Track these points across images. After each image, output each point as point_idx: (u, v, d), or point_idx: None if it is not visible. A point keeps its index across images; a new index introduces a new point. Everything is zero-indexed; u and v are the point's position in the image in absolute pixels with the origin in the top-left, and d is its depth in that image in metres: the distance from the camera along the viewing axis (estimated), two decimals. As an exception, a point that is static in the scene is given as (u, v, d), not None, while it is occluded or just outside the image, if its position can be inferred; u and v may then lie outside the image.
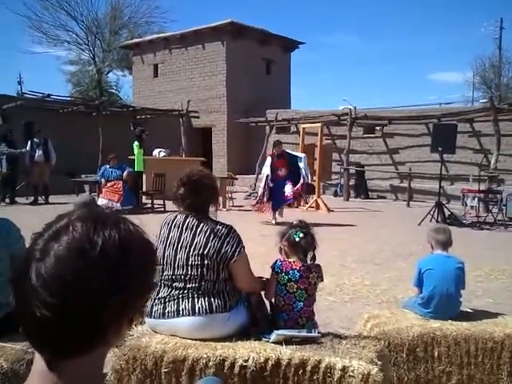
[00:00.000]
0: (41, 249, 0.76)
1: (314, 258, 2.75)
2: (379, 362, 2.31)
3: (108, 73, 36.54)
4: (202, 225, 2.60)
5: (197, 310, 2.52)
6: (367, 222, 10.62)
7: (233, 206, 12.87)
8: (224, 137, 21.05)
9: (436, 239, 3.30)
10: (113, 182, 11.24)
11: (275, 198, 9.68)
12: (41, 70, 65.64)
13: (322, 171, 13.69)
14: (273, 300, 2.74)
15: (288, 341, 2.44)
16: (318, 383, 2.27)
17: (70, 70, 36.72)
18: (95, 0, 44.50)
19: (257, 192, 15.32)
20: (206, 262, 2.53)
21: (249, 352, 2.34)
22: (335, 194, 16.57)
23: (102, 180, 11.39)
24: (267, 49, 22.08)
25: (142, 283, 0.82)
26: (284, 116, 19.07)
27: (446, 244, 3.29)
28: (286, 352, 2.34)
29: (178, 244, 2.60)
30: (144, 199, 12.47)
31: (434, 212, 10.15)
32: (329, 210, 12.19)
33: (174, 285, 2.60)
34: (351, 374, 2.22)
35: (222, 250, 2.54)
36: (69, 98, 22.62)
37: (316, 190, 12.61)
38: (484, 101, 25.98)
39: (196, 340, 2.48)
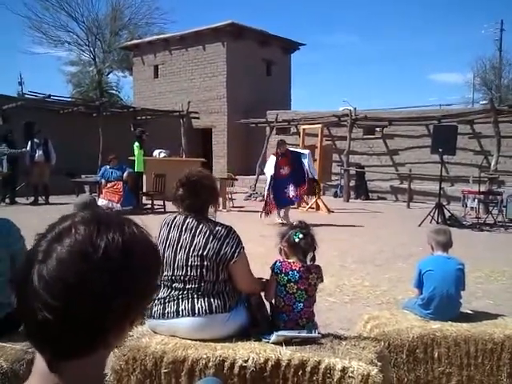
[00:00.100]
0: (43, 250, 0.76)
1: (313, 258, 2.75)
2: (379, 363, 2.31)
3: (108, 74, 36.59)
4: (201, 226, 2.60)
5: (196, 311, 2.51)
6: (367, 222, 10.62)
7: (233, 206, 12.87)
8: (224, 138, 21.06)
9: (436, 240, 3.30)
10: (113, 183, 11.24)
11: (277, 197, 9.70)
12: (41, 71, 65.68)
13: (322, 172, 13.67)
14: (273, 301, 2.74)
15: (288, 341, 2.44)
16: (317, 384, 2.27)
17: (70, 70, 36.79)
18: (96, 1, 44.59)
19: (262, 195, 15.36)
20: (205, 262, 2.53)
21: (248, 353, 2.34)
22: (335, 195, 16.57)
23: (102, 180, 11.39)
24: (267, 50, 22.09)
25: (145, 286, 0.82)
26: (284, 117, 19.09)
27: (446, 245, 3.29)
28: (285, 353, 2.34)
29: (177, 245, 2.60)
30: (144, 200, 12.46)
31: (435, 213, 10.15)
32: (329, 210, 12.19)
33: (173, 285, 2.60)
34: (351, 374, 2.22)
35: (222, 251, 2.54)
36: (69, 99, 22.61)
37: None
38: (484, 102, 25.99)
39: (196, 340, 2.48)
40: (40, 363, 0.78)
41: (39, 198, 12.95)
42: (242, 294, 2.71)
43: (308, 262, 2.72)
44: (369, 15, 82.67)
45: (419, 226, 9.72)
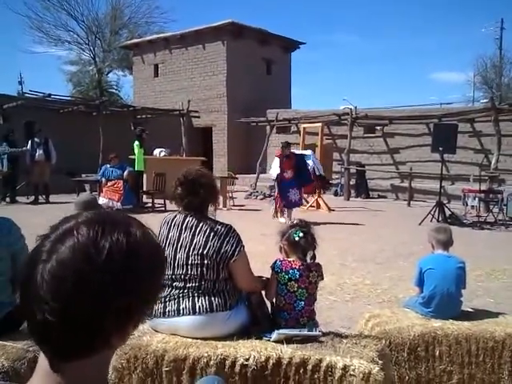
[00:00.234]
0: (47, 251, 0.75)
1: (313, 257, 2.75)
2: (380, 361, 2.31)
3: (108, 73, 36.58)
4: (201, 224, 2.60)
5: (197, 309, 2.52)
6: (368, 221, 10.61)
7: (233, 205, 12.86)
8: (224, 136, 21.05)
9: (437, 239, 3.30)
10: (113, 182, 11.25)
11: (284, 198, 9.81)
12: (41, 70, 65.58)
13: (322, 171, 13.66)
14: (274, 300, 2.74)
15: (289, 340, 2.44)
16: (318, 382, 2.27)
17: (70, 69, 36.78)
18: (95, 0, 44.46)
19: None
20: (205, 261, 2.53)
21: (250, 351, 2.34)
22: (336, 194, 16.55)
23: (103, 179, 11.39)
24: (267, 49, 22.07)
25: (149, 287, 0.81)
26: (284, 116, 19.07)
27: (446, 244, 3.29)
28: (286, 351, 2.34)
29: (177, 243, 2.60)
30: (144, 198, 12.47)
31: (435, 212, 10.14)
32: (329, 209, 12.19)
33: (173, 284, 2.59)
34: (352, 373, 2.22)
35: (222, 250, 2.54)
36: (69, 98, 22.64)
37: (317, 189, 12.58)
38: (485, 101, 25.95)
39: (197, 339, 2.48)
40: (43, 362, 0.78)
41: (40, 197, 12.96)
42: (243, 292, 2.71)
43: (308, 261, 2.72)
44: (369, 14, 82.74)
45: (420, 224, 9.71)
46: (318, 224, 8.19)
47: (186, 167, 2.79)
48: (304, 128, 14.84)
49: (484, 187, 11.86)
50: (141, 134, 12.35)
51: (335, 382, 2.24)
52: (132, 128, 15.66)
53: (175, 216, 2.70)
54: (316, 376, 2.27)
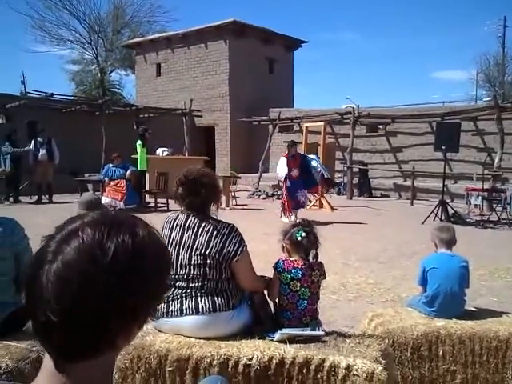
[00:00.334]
0: (53, 251, 0.75)
1: (316, 256, 2.75)
2: (383, 361, 2.30)
3: (111, 72, 36.57)
4: (203, 224, 2.60)
5: (200, 309, 2.52)
6: (370, 220, 10.60)
7: (236, 204, 12.87)
8: (227, 136, 21.04)
9: (440, 238, 3.29)
10: (116, 181, 11.26)
11: (292, 199, 9.84)
12: (44, 69, 65.92)
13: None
14: (276, 300, 2.74)
15: (292, 339, 2.44)
16: (322, 382, 2.27)
17: (72, 69, 36.81)
18: (97, -1, 44.44)
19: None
20: (208, 261, 2.53)
21: (253, 351, 2.34)
22: (338, 193, 16.54)
23: (106, 179, 11.41)
24: (270, 48, 22.05)
25: (155, 287, 0.81)
26: (287, 115, 19.07)
27: (450, 243, 3.29)
28: (290, 351, 2.34)
29: (180, 244, 2.60)
30: (147, 198, 12.48)
31: (438, 210, 10.13)
32: (332, 208, 12.18)
33: (176, 284, 2.59)
34: (355, 372, 2.22)
35: (224, 250, 2.54)
36: (72, 98, 22.64)
37: (320, 189, 12.58)
38: (488, 99, 25.92)
39: (200, 339, 2.48)
40: (48, 362, 0.78)
41: (43, 197, 12.99)
42: (246, 292, 2.71)
43: (311, 260, 2.72)
44: (370, 13, 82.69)
45: (423, 223, 9.70)
46: (321, 223, 8.18)
47: (188, 166, 2.79)
48: (306, 127, 14.84)
49: (487, 186, 11.84)
50: (143, 134, 12.36)
51: (338, 381, 2.24)
52: (134, 127, 15.68)
53: (177, 216, 2.70)
54: (319, 376, 2.27)
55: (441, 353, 2.92)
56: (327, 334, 2.57)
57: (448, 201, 11.50)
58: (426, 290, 3.21)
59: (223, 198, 10.74)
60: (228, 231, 2.58)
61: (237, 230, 2.63)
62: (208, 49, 21.15)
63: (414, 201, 13.96)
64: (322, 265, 2.75)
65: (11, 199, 12.74)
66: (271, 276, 2.75)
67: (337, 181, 16.38)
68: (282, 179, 10.01)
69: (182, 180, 2.66)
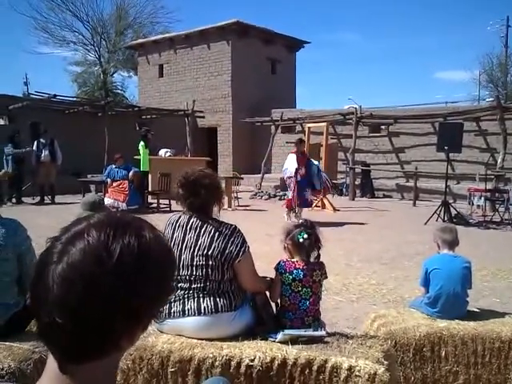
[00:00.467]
0: (58, 252, 0.76)
1: (318, 257, 2.75)
2: (386, 362, 2.30)
3: (113, 73, 36.67)
4: (205, 225, 2.60)
5: (202, 310, 2.52)
6: (373, 221, 10.59)
7: (238, 205, 12.87)
8: (229, 136, 21.06)
9: (442, 238, 3.29)
10: (118, 182, 11.28)
11: (299, 196, 9.78)
12: (47, 71, 66.03)
13: (327, 171, 13.65)
14: (278, 301, 2.74)
15: (294, 340, 2.44)
16: (324, 383, 2.27)
17: (75, 70, 36.89)
18: (100, 0, 44.70)
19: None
20: (210, 262, 2.53)
21: (255, 352, 2.34)
22: (341, 194, 16.53)
23: (108, 180, 11.43)
24: (272, 48, 22.07)
25: (160, 290, 0.81)
26: (289, 115, 19.06)
27: (452, 243, 3.28)
28: (292, 352, 2.34)
29: (182, 244, 2.60)
30: (150, 199, 12.50)
31: (441, 211, 10.11)
32: (334, 209, 12.17)
33: (179, 285, 2.59)
34: (357, 373, 2.22)
35: (227, 251, 2.54)
36: (75, 99, 22.67)
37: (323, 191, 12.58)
38: (491, 99, 25.84)
39: (202, 340, 2.48)
40: (52, 363, 0.78)
41: (45, 198, 13.02)
42: (248, 293, 2.71)
43: (312, 261, 2.72)
44: (370, 14, 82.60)
45: (425, 224, 9.68)
46: (323, 224, 8.18)
47: (191, 167, 2.79)
48: (309, 128, 14.84)
49: (490, 186, 11.82)
50: (146, 135, 12.38)
51: (340, 382, 2.24)
52: (137, 128, 15.74)
53: (180, 217, 2.70)
54: (321, 377, 2.26)
55: (443, 354, 2.91)
56: (329, 334, 2.57)
57: (451, 201, 11.47)
58: (429, 290, 3.20)
59: (225, 199, 10.73)
60: (230, 232, 2.59)
61: (239, 230, 2.63)
62: (211, 49, 21.17)
63: (417, 201, 13.93)
64: (323, 265, 2.75)
65: (14, 200, 12.77)
66: (273, 277, 2.75)
67: (335, 180, 16.35)
68: (292, 174, 9.83)
69: (182, 181, 2.66)
